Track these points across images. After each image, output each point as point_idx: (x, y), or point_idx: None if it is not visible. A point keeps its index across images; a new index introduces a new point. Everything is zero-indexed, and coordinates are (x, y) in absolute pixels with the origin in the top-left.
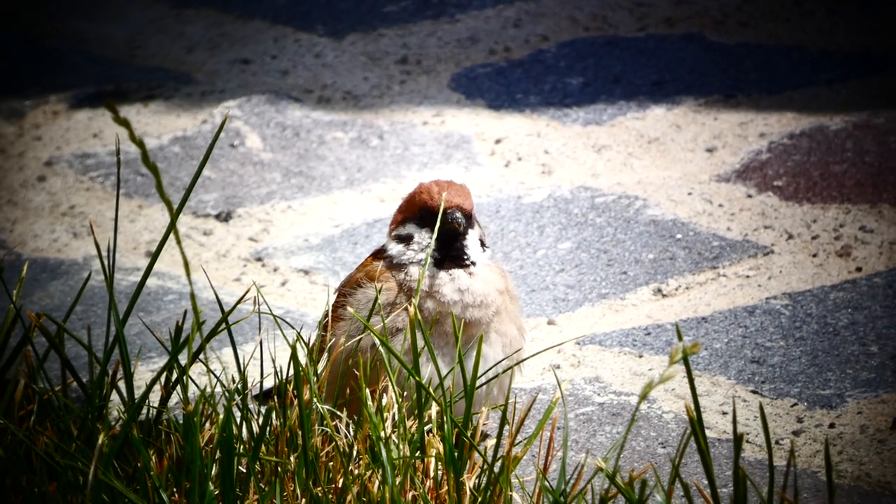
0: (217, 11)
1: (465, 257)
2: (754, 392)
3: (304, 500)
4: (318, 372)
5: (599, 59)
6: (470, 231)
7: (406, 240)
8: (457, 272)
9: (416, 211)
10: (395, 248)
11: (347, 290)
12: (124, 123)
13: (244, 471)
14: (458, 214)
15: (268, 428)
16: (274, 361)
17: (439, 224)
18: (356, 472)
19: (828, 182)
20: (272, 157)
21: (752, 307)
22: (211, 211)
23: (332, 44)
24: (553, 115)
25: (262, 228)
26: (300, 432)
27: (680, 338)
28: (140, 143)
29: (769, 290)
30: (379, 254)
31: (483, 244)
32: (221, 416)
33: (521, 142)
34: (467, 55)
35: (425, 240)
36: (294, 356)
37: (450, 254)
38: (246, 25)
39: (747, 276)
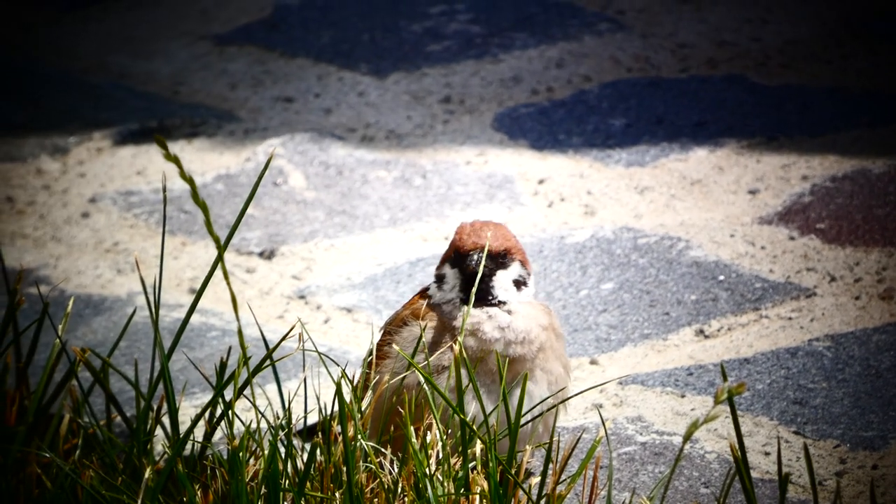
0: (260, 49)
1: (491, 297)
2: (797, 433)
3: None
4: (363, 409)
5: (642, 99)
6: (500, 272)
7: (440, 280)
8: (494, 311)
9: (451, 252)
10: (432, 288)
11: (393, 328)
12: (174, 160)
13: None
14: (476, 256)
15: (312, 464)
16: (318, 398)
17: (459, 265)
18: None
19: (870, 225)
20: (315, 195)
21: (795, 349)
22: (254, 249)
23: (375, 82)
24: (596, 156)
25: (306, 266)
26: (345, 468)
27: (725, 378)
28: (189, 180)
29: (811, 332)
30: (425, 292)
31: (521, 283)
32: (267, 452)
33: (563, 182)
34: (510, 95)
35: (452, 280)
36: (339, 392)
37: (477, 294)
38: (289, 63)
39: (790, 318)
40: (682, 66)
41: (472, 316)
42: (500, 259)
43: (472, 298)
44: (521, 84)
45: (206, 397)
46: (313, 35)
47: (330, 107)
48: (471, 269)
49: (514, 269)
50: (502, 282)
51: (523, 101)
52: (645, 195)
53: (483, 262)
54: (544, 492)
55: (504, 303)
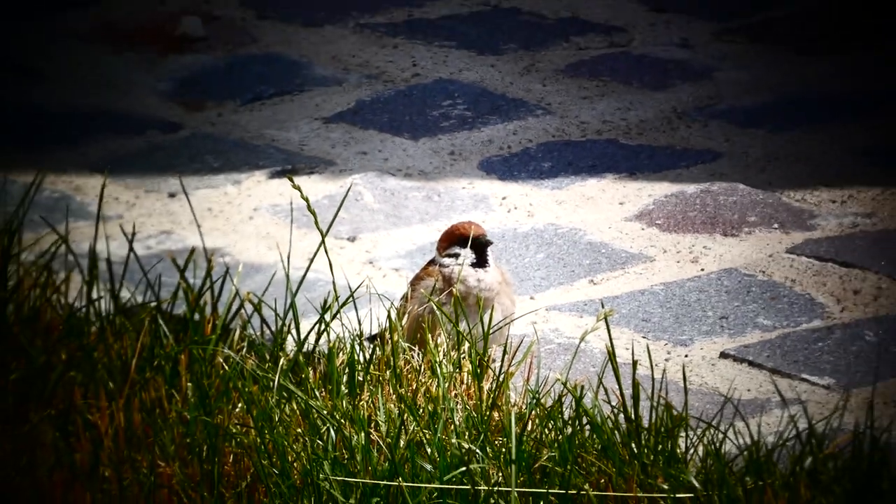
0: (348, 124)
1: (486, 262)
2: (644, 337)
3: (394, 396)
4: (402, 325)
5: (560, 153)
6: (488, 248)
7: (455, 256)
8: (479, 271)
9: (456, 239)
10: (447, 261)
11: (416, 281)
12: (298, 188)
13: (361, 379)
14: (486, 238)
15: (374, 356)
16: (378, 319)
17: (472, 244)
18: (423, 380)
19: (686, 221)
20: (379, 206)
21: (643, 290)
22: (344, 236)
23: (412, 143)
24: (534, 184)
25: (373, 245)
26: (392, 358)
27: (603, 306)
28: (306, 199)
29: (653, 281)
30: (430, 264)
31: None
32: (349, 349)
33: (516, 199)
34: (487, 150)
35: (467, 253)
36: (388, 317)
37: (478, 261)
38: (363, 132)
39: (641, 273)
40: (582, 134)
41: (466, 274)
42: (486, 243)
43: (477, 263)
44: (493, 144)
45: (317, 319)
46: (378, 116)
47: (387, 157)
48: (487, 242)
49: (489, 249)
50: (485, 254)
51: (494, 154)
52: (561, 205)
53: (487, 246)
54: (502, 370)
55: (489, 265)
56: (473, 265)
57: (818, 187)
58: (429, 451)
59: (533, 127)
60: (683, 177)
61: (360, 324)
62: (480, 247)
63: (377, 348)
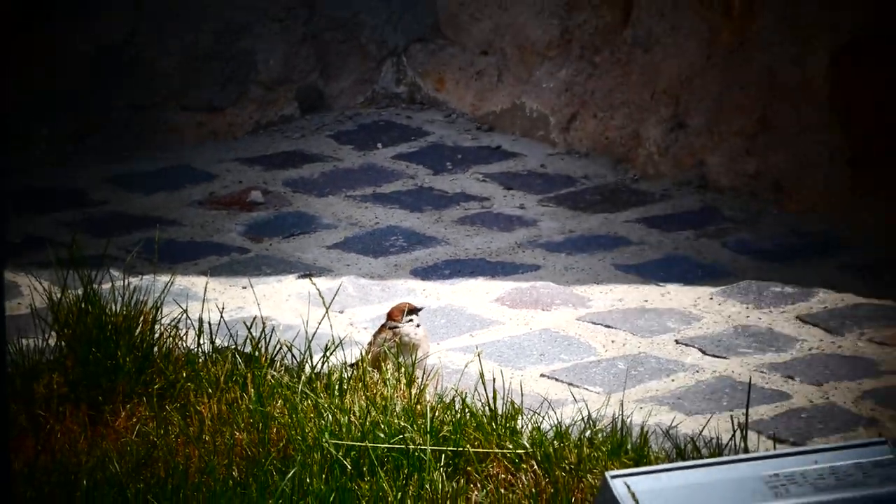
0: (340, 250)
1: (416, 323)
2: (499, 365)
3: (364, 397)
4: (368, 358)
5: (454, 265)
6: (414, 316)
7: (398, 319)
8: (411, 328)
9: (399, 310)
10: (393, 323)
11: (376, 334)
12: (314, 283)
13: (345, 387)
14: (416, 308)
15: (352, 375)
16: (354, 355)
17: (408, 312)
18: (379, 388)
19: (522, 303)
20: (356, 294)
21: (499, 339)
22: (337, 310)
23: (374, 260)
24: (440, 282)
25: (353, 315)
26: (362, 376)
27: (476, 349)
28: (318, 290)
29: (504, 335)
30: (383, 325)
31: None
32: (339, 371)
33: (430, 290)
34: (415, 264)
35: (406, 318)
36: (360, 354)
37: (411, 322)
38: (349, 254)
39: (498, 330)
40: (466, 255)
41: (406, 330)
42: (415, 312)
43: (416, 322)
44: (418, 261)
45: (321, 355)
46: (356, 245)
47: (361, 268)
48: (416, 311)
49: (417, 316)
50: (416, 319)
51: (419, 266)
52: (454, 294)
53: (416, 314)
54: (422, 383)
55: (420, 326)
56: (409, 324)
57: (593, 284)
58: (382, 426)
59: (440, 252)
60: (521, 278)
61: (345, 357)
62: (412, 314)
63: (354, 370)
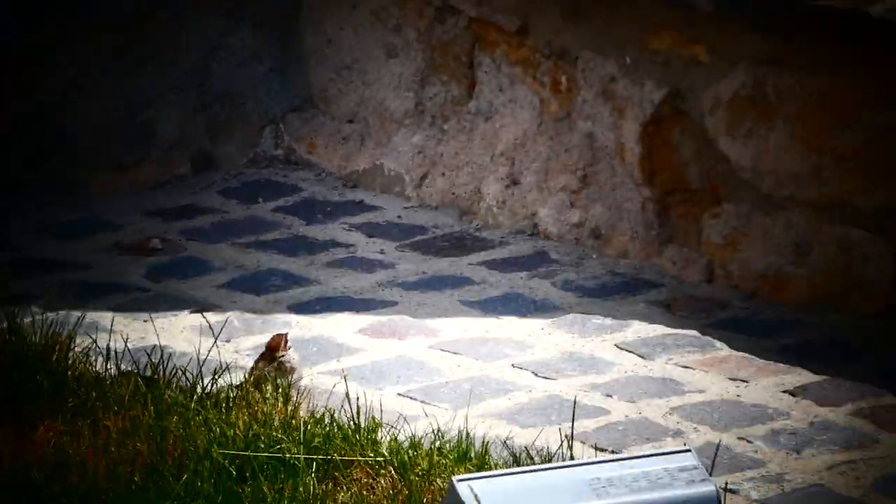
0: (227, 289)
1: (290, 349)
2: (361, 387)
3: (247, 412)
4: (251, 380)
5: (321, 301)
6: (291, 348)
7: (276, 348)
8: (288, 354)
9: (276, 339)
10: (277, 353)
11: (258, 360)
12: (204, 317)
13: (231, 405)
14: (288, 339)
15: (237, 394)
16: (240, 378)
17: (284, 341)
18: (260, 405)
19: (380, 333)
20: (241, 326)
21: (364, 364)
22: (224, 340)
23: (257, 297)
24: (311, 315)
25: (238, 344)
26: (246, 395)
27: (343, 371)
28: (208, 322)
29: (367, 360)
30: (264, 354)
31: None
32: (226, 391)
33: (303, 323)
34: (290, 301)
35: (289, 348)
36: (244, 376)
37: (288, 350)
38: (235, 293)
39: (361, 356)
40: (334, 294)
41: (283, 357)
42: (286, 345)
43: (290, 349)
44: (293, 298)
45: (210, 377)
46: (241, 286)
47: (245, 304)
48: (287, 342)
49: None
50: (292, 347)
51: (293, 303)
52: (323, 326)
53: (289, 347)
54: (297, 401)
55: (289, 351)
56: (285, 352)
57: (442, 317)
58: (263, 438)
59: (310, 291)
60: (381, 313)
61: (231, 380)
62: (286, 343)
63: (239, 391)
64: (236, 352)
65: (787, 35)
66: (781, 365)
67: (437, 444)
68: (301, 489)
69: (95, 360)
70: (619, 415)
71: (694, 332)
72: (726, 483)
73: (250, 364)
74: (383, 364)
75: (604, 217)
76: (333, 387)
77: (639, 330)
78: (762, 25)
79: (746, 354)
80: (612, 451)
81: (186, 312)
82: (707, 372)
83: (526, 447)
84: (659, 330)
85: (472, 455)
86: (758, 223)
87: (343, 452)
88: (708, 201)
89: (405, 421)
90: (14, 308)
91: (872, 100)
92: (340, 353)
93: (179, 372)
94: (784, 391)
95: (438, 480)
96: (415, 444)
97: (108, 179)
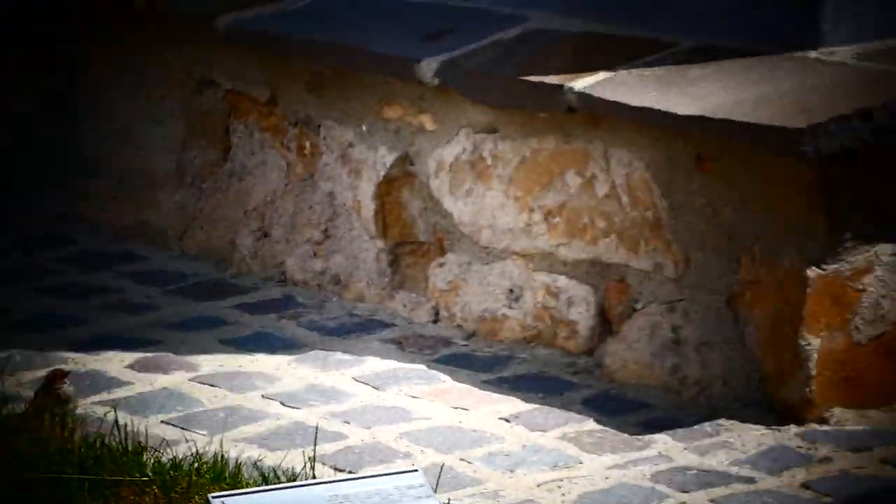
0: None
1: (70, 384)
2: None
3: (28, 438)
4: (31, 409)
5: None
6: (65, 384)
7: (53, 379)
8: (67, 388)
9: (59, 375)
10: (55, 385)
11: (38, 391)
12: None
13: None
14: (68, 375)
15: (20, 421)
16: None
17: (65, 377)
18: (40, 432)
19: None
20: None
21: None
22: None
23: (38, 335)
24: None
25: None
26: (27, 422)
27: (114, 404)
28: None
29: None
30: (43, 386)
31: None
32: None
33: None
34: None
35: (65, 381)
36: (26, 407)
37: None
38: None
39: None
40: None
41: (60, 389)
42: (67, 375)
43: (68, 385)
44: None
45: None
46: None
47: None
48: (67, 376)
49: (68, 378)
50: (68, 381)
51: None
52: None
53: (68, 376)
54: (72, 428)
55: (68, 385)
56: (62, 385)
57: (201, 354)
58: (41, 461)
59: (88, 330)
60: (148, 350)
61: (14, 409)
62: (65, 376)
63: (21, 419)
64: (19, 385)
65: (501, 106)
66: (497, 395)
67: (196, 465)
68: None
69: None
70: (356, 439)
71: (422, 367)
72: (449, 499)
73: (31, 395)
74: (148, 395)
75: (343, 265)
76: (105, 415)
77: (374, 364)
78: (480, 98)
79: (467, 386)
80: (350, 472)
81: None
82: (433, 401)
83: (274, 468)
84: (391, 364)
85: (227, 475)
86: (476, 271)
87: (113, 473)
88: (434, 252)
89: (168, 445)
90: None
91: (572, 162)
92: (111, 386)
93: None
94: (500, 418)
95: (197, 498)
96: (176, 465)
97: None
